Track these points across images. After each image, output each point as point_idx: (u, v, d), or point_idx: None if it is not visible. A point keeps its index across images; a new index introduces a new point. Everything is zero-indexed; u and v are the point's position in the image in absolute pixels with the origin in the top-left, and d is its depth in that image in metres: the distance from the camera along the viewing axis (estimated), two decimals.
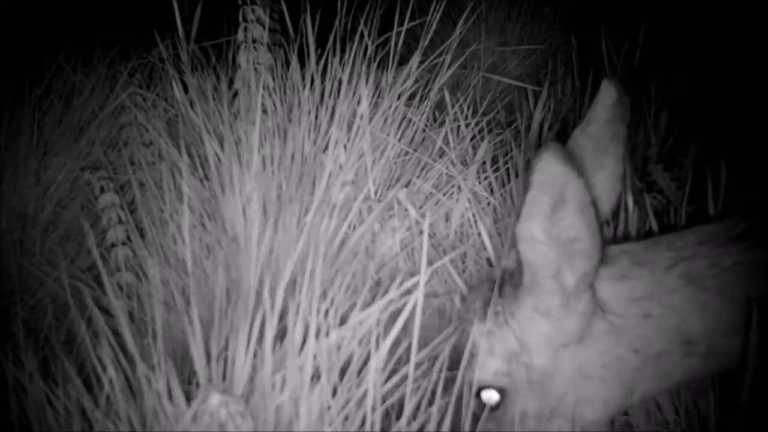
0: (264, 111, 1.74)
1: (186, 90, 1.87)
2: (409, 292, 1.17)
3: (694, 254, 1.09)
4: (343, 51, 1.84)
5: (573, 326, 1.06)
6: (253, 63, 1.82)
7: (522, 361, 1.08)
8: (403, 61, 1.92)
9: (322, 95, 1.79)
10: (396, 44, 1.89)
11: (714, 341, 1.08)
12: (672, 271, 1.08)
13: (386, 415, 1.14)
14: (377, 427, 1.04)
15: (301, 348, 1.11)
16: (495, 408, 1.09)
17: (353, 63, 1.82)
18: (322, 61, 1.83)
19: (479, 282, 1.17)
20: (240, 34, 1.83)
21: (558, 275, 1.03)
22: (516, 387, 1.08)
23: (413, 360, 1.07)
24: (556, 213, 0.96)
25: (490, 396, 1.09)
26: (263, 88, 1.76)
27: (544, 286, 1.05)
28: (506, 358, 1.08)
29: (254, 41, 1.83)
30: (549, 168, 0.91)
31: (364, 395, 1.08)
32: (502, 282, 1.12)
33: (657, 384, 1.11)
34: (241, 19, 1.83)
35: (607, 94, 1.15)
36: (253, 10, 1.83)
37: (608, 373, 1.07)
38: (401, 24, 1.89)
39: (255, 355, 1.11)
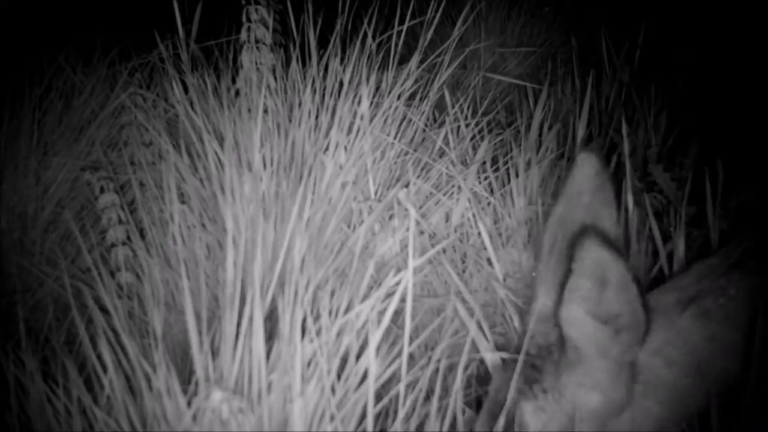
0: (265, 111, 1.74)
1: (186, 90, 1.87)
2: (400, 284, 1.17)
3: (700, 291, 1.11)
4: (344, 51, 1.84)
5: (620, 396, 1.07)
6: (256, 63, 1.82)
7: None
8: (403, 60, 1.92)
9: (323, 95, 1.79)
10: (396, 44, 1.89)
11: (720, 365, 1.10)
12: (684, 314, 1.10)
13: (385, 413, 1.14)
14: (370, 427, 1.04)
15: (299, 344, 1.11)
16: None
17: (354, 63, 1.82)
18: (323, 61, 1.83)
19: (511, 356, 1.16)
20: (243, 34, 1.83)
21: (605, 351, 1.04)
22: None
23: (405, 350, 1.07)
24: (600, 295, 0.97)
25: None
26: (266, 88, 1.76)
27: (591, 363, 1.06)
28: None
29: (257, 41, 1.83)
30: (590, 255, 0.93)
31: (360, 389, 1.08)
32: (539, 359, 1.12)
33: (676, 421, 1.13)
34: (244, 19, 1.83)
35: (589, 165, 1.15)
36: (256, 10, 1.83)
37: (640, 429, 1.09)
38: (401, 23, 1.89)
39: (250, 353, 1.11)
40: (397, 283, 1.21)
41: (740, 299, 1.10)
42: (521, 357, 1.11)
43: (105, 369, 1.08)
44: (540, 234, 1.23)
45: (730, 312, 1.10)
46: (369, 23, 1.89)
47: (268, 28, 1.84)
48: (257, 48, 1.83)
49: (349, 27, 1.90)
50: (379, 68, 1.87)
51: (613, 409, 1.08)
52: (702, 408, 1.18)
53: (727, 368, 1.11)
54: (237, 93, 1.84)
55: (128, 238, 1.65)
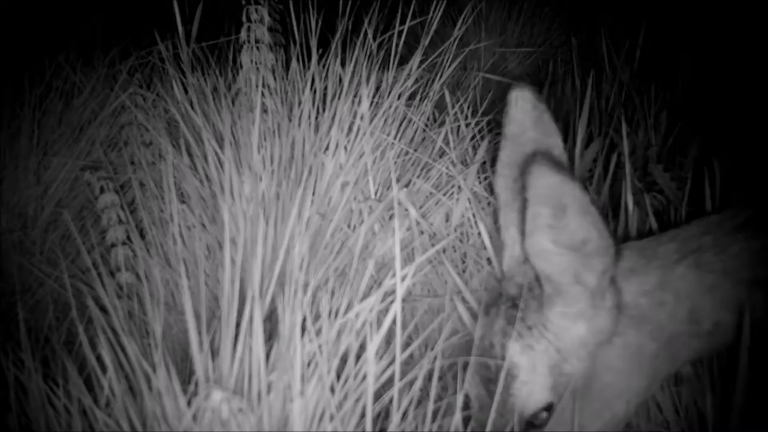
0: (264, 111, 1.74)
1: (186, 90, 1.87)
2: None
3: (700, 246, 1.11)
4: (344, 51, 1.84)
5: (605, 322, 1.07)
6: (256, 63, 1.82)
7: (565, 371, 1.07)
8: (403, 60, 1.92)
9: (323, 95, 1.79)
10: (397, 45, 1.89)
11: (719, 319, 1.11)
12: (682, 262, 1.10)
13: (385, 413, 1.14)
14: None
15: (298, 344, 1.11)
16: (540, 425, 1.09)
17: (354, 63, 1.82)
18: (324, 61, 1.83)
19: (491, 300, 1.15)
20: (243, 34, 1.83)
21: (579, 279, 1.03)
22: (560, 398, 1.08)
23: (398, 348, 1.07)
24: (560, 221, 0.96)
25: (540, 415, 1.08)
26: (265, 87, 1.76)
27: (569, 292, 1.05)
28: (550, 371, 1.08)
29: (257, 41, 1.83)
30: (542, 180, 0.92)
31: (360, 388, 1.08)
32: (521, 297, 1.11)
33: (669, 368, 1.13)
34: (244, 19, 1.83)
35: (523, 100, 1.15)
36: (256, 10, 1.83)
37: (633, 365, 1.09)
38: (401, 24, 1.89)
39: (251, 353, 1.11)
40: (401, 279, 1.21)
41: (741, 259, 1.10)
42: (497, 299, 1.10)
43: (105, 369, 1.08)
44: (492, 181, 1.23)
45: (730, 269, 1.10)
46: (369, 23, 1.89)
47: (267, 28, 1.84)
48: (257, 48, 1.83)
49: (350, 27, 1.90)
50: (379, 68, 1.87)
51: (601, 337, 1.07)
52: (696, 357, 1.18)
53: (720, 321, 1.10)
54: (237, 93, 1.84)
55: (128, 238, 1.65)
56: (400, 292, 1.09)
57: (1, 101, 2.04)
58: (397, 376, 1.08)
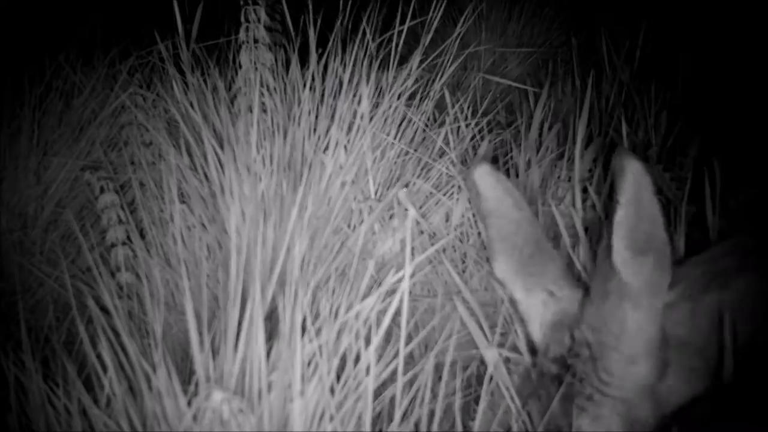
0: (264, 110, 1.74)
1: (186, 90, 1.87)
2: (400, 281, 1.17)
3: (727, 267, 1.11)
4: (344, 51, 1.84)
5: (662, 357, 1.06)
6: (255, 63, 1.82)
7: (638, 418, 1.06)
8: (403, 60, 1.93)
9: (323, 95, 1.79)
10: (397, 45, 1.89)
11: (745, 340, 1.10)
12: (709, 288, 1.10)
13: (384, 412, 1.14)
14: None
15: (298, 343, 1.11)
16: None
17: (354, 62, 1.82)
18: (323, 61, 1.83)
19: (530, 383, 1.13)
20: (242, 34, 1.83)
21: (650, 285, 1.03)
22: None
23: (402, 342, 1.07)
24: (638, 222, 0.97)
25: None
26: (264, 87, 1.76)
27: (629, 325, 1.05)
28: (623, 427, 1.06)
29: (256, 41, 1.83)
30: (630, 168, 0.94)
31: (359, 389, 1.08)
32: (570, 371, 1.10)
33: (707, 384, 1.12)
34: (243, 19, 1.83)
35: (487, 175, 1.15)
36: (255, 11, 1.83)
37: (685, 392, 1.08)
38: (401, 23, 1.89)
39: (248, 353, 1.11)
40: (399, 280, 1.21)
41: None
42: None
43: (105, 370, 1.08)
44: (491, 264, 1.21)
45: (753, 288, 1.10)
46: (369, 23, 1.89)
47: (266, 28, 1.84)
48: (256, 48, 1.83)
49: (350, 27, 1.90)
50: (378, 68, 1.87)
51: (658, 373, 1.06)
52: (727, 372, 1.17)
53: (748, 335, 1.10)
54: (236, 92, 1.84)
55: (128, 238, 1.65)
56: (407, 286, 1.09)
57: (1, 101, 2.03)
58: (400, 371, 1.08)
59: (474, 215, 1.69)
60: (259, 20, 1.83)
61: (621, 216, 0.98)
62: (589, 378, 1.06)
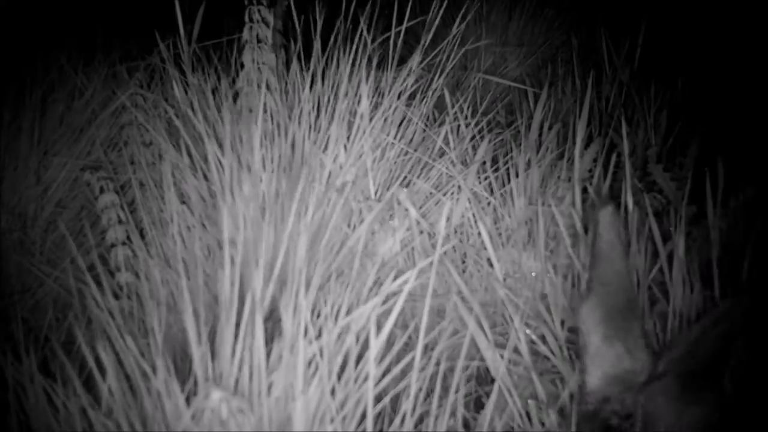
0: (265, 110, 1.74)
1: (187, 90, 1.87)
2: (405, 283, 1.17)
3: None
4: (344, 51, 1.84)
5: None
6: (257, 63, 1.82)
7: None
8: (402, 60, 1.93)
9: (323, 95, 1.79)
10: (396, 44, 1.89)
11: None
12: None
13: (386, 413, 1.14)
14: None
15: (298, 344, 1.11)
16: None
17: (354, 63, 1.82)
18: (323, 61, 1.84)
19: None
20: (245, 34, 1.83)
21: None
22: None
23: (420, 346, 1.07)
24: None
25: None
26: (266, 87, 1.76)
27: None
28: None
29: (259, 41, 1.83)
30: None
31: (361, 389, 1.08)
32: None
33: None
34: (246, 18, 1.83)
35: (610, 216, 1.16)
36: (259, 11, 1.83)
37: None
38: (401, 23, 1.89)
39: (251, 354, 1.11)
40: (403, 283, 1.22)
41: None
42: None
43: (103, 371, 1.08)
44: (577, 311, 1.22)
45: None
46: (369, 23, 1.89)
47: (269, 28, 1.84)
48: (259, 48, 1.83)
49: (350, 27, 1.90)
50: (378, 68, 1.87)
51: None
52: None
53: None
54: (236, 93, 1.84)
55: (128, 238, 1.65)
56: (428, 301, 1.09)
57: (3, 101, 2.04)
58: (417, 358, 1.07)
59: (474, 215, 1.69)
60: (262, 20, 1.83)
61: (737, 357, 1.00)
62: None
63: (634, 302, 1.15)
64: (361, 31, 1.86)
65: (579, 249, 1.47)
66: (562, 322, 1.48)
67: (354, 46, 1.84)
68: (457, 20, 2.06)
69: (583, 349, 1.16)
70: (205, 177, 1.70)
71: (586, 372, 1.14)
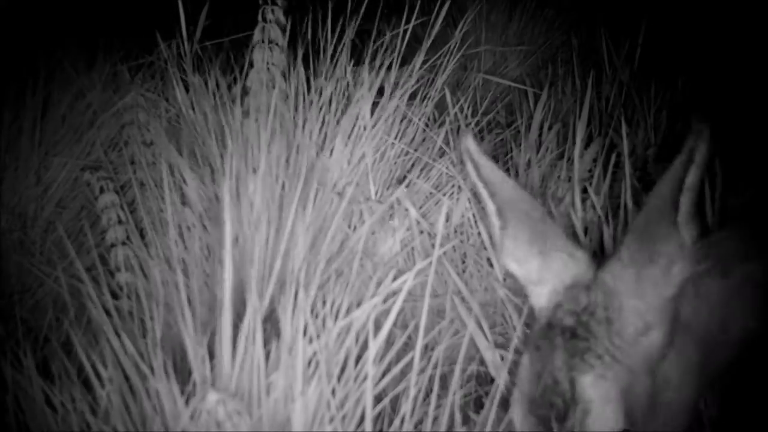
0: (272, 111, 1.74)
1: (188, 90, 1.87)
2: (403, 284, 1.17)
3: (725, 254, 1.12)
4: (348, 52, 1.84)
5: (669, 328, 1.06)
6: (267, 63, 1.81)
7: (636, 392, 1.04)
8: (404, 61, 1.93)
9: (327, 96, 1.80)
10: (400, 49, 1.89)
11: (746, 325, 1.11)
12: (710, 272, 1.10)
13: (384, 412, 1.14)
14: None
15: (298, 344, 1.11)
16: None
17: (357, 63, 1.82)
18: (328, 62, 1.84)
19: (540, 334, 1.12)
20: (257, 34, 1.82)
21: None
22: (633, 423, 1.06)
23: (419, 347, 1.07)
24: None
25: None
26: (274, 88, 1.76)
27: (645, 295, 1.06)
28: (623, 396, 1.02)
29: (270, 41, 1.82)
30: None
31: (360, 389, 1.08)
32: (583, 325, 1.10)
33: (707, 379, 1.12)
34: (259, 18, 1.82)
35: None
36: (273, 11, 1.82)
37: (685, 377, 1.08)
38: (406, 23, 1.90)
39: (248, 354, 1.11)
40: (402, 283, 1.21)
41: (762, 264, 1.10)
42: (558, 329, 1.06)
43: (100, 370, 1.08)
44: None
45: (751, 275, 1.10)
46: (373, 24, 1.90)
47: (282, 30, 1.83)
48: (270, 48, 1.82)
49: (356, 28, 1.90)
50: (380, 68, 1.87)
51: (662, 350, 1.04)
52: (728, 367, 1.16)
53: (747, 328, 1.11)
54: (242, 92, 1.83)
55: (128, 238, 1.65)
56: (427, 302, 1.09)
57: (4, 102, 2.04)
58: (416, 359, 1.07)
59: (474, 215, 1.69)
60: (276, 21, 1.82)
61: (693, 179, 0.98)
62: (601, 338, 1.04)
63: (543, 209, 1.13)
64: (364, 31, 1.86)
65: None
66: None
67: (359, 47, 1.84)
68: (460, 23, 2.06)
69: (521, 282, 1.14)
70: (207, 176, 1.70)
71: (530, 299, 1.12)
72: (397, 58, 1.89)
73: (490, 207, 1.12)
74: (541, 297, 1.11)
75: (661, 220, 1.02)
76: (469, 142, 1.11)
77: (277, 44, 1.82)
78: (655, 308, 1.04)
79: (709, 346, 1.09)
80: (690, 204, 1.00)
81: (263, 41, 1.82)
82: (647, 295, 1.04)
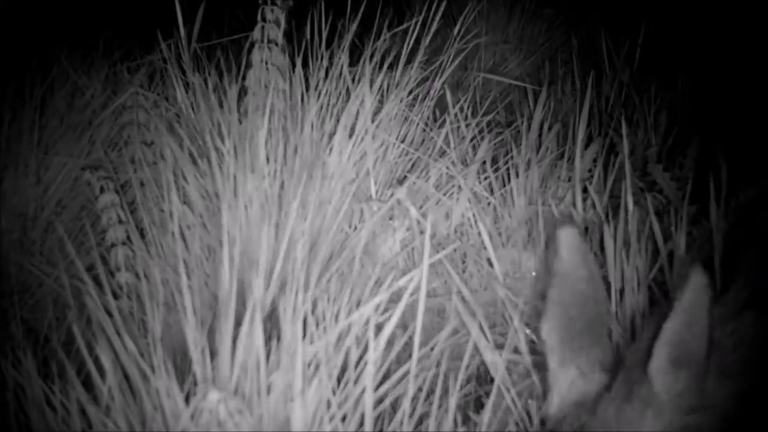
0: (271, 111, 1.74)
1: (188, 90, 1.87)
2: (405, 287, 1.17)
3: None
4: (347, 51, 1.84)
5: None
6: (266, 63, 1.81)
7: None
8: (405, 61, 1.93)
9: (327, 95, 1.80)
10: (403, 45, 1.89)
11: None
12: None
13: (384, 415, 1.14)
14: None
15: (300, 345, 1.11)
16: None
17: (357, 63, 1.82)
18: (327, 62, 1.84)
19: None
20: (256, 33, 1.83)
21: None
22: None
23: (415, 354, 1.07)
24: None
25: None
26: (273, 88, 1.76)
27: None
28: None
29: (269, 41, 1.82)
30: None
31: (361, 393, 1.08)
32: None
33: None
34: (259, 17, 1.82)
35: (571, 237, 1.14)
36: (273, 11, 1.83)
37: None
38: (401, 23, 1.90)
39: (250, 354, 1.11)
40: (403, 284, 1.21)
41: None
42: None
43: (102, 370, 1.08)
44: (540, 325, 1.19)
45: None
46: (373, 24, 1.90)
47: (281, 29, 1.83)
48: (269, 48, 1.82)
49: (355, 28, 1.90)
50: (379, 68, 1.87)
51: None
52: None
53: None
54: (240, 92, 1.83)
55: (128, 238, 1.65)
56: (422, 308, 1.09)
57: (3, 101, 2.03)
58: (414, 361, 1.07)
59: (474, 215, 1.69)
60: (275, 21, 1.82)
61: (672, 326, 0.96)
62: None
63: (595, 326, 1.13)
64: (364, 31, 1.86)
65: None
66: None
67: (358, 47, 1.84)
68: (459, 23, 2.06)
69: (545, 371, 1.15)
70: (207, 176, 1.70)
71: (547, 395, 1.13)
72: (404, 55, 1.89)
73: (543, 294, 1.14)
74: (552, 404, 1.13)
75: (639, 364, 1.02)
76: (565, 234, 1.11)
77: (276, 44, 1.83)
78: None
79: None
80: (670, 352, 0.97)
81: (262, 41, 1.82)
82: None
